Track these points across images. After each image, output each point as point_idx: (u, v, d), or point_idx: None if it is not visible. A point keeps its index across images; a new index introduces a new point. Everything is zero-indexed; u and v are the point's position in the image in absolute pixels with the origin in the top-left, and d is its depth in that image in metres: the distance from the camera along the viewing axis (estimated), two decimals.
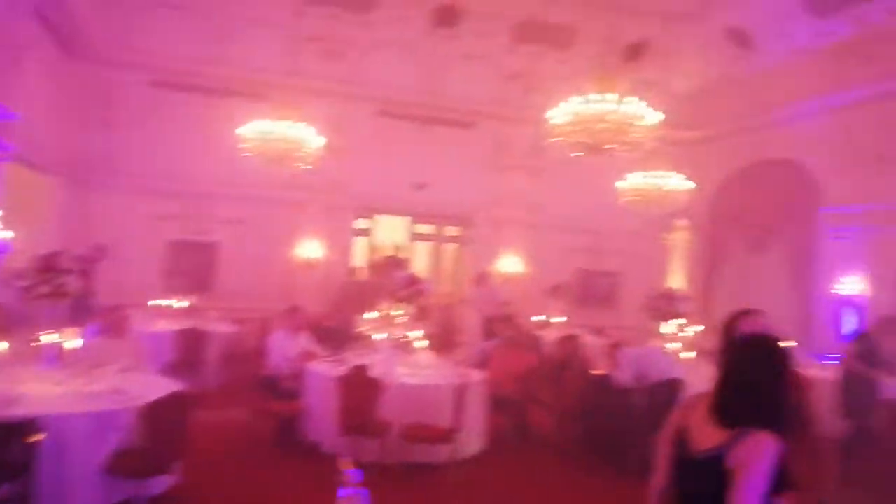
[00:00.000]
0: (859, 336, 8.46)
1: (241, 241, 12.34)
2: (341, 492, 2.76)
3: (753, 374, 2.30)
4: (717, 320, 12.22)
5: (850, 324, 10.46)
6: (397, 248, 14.15)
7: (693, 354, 8.59)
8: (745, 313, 3.40)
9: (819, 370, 9.52)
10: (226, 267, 12.20)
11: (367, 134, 12.79)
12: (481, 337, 8.79)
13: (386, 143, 12.91)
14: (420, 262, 14.15)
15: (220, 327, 10.01)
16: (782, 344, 2.42)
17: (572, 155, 7.75)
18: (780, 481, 2.20)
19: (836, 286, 10.93)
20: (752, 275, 12.59)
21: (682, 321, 10.12)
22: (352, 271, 12.38)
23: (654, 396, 7.06)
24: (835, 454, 7.58)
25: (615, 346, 8.20)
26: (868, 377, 7.85)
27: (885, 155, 10.27)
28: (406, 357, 7.48)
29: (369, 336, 7.96)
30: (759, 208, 12.51)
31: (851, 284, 10.73)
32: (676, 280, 14.16)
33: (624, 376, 7.22)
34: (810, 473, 2.45)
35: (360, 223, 13.48)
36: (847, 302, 10.74)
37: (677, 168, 10.25)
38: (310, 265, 12.39)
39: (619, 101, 7.31)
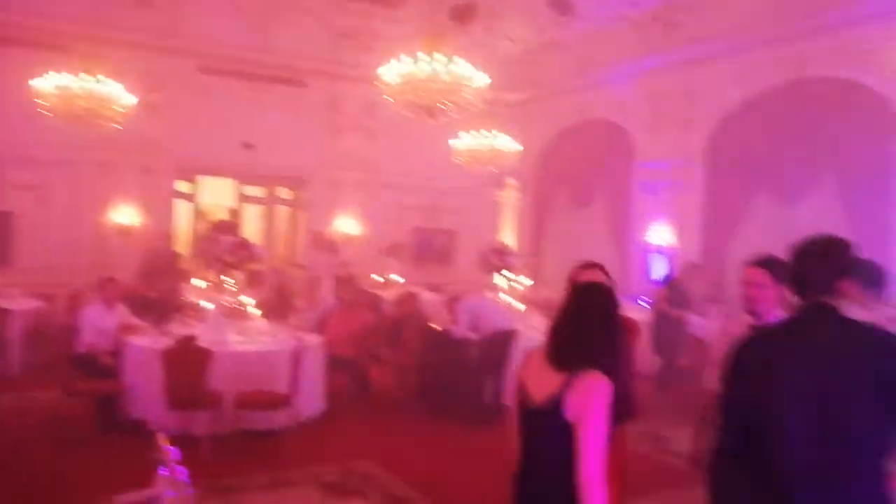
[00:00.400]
0: (667, 281, 9.33)
1: (43, 209, 11.09)
2: (160, 470, 2.57)
3: (583, 317, 2.37)
4: (546, 272, 12.88)
5: (659, 270, 11.49)
6: (229, 211, 13.46)
7: (523, 306, 9.02)
8: (586, 266, 3.56)
9: (635, 313, 10.40)
10: (25, 238, 10.90)
11: (187, 91, 11.90)
12: (326, 299, 8.64)
13: (209, 100, 12.10)
14: (251, 226, 13.57)
15: (22, 304, 8.99)
16: (611, 289, 2.54)
17: (406, 114, 7.76)
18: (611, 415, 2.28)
19: (648, 236, 11.94)
20: (576, 228, 13.39)
21: (514, 274, 10.57)
22: (163, 237, 11.54)
23: (488, 346, 7.34)
24: (649, 387, 8.33)
25: (454, 300, 8.39)
26: (676, 318, 8.70)
27: (687, 115, 11.25)
28: (238, 324, 7.16)
29: (196, 305, 7.52)
30: (583, 165, 13.27)
31: (660, 234, 11.77)
32: (508, 236, 14.76)
33: (461, 328, 7.43)
34: (632, 406, 2.60)
35: (182, 186, 12.62)
36: (657, 250, 11.77)
37: (506, 128, 10.57)
38: (125, 232, 11.42)
39: (448, 63, 7.39)
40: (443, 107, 7.65)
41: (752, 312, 3.25)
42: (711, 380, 3.35)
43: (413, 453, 6.29)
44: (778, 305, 3.20)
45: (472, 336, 7.39)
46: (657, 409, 7.74)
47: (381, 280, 11.46)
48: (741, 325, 3.28)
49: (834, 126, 9.09)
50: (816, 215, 8.87)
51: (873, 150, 8.88)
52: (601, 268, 3.46)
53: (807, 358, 2.15)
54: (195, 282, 8.39)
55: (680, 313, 8.70)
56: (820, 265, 2.26)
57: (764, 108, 10.11)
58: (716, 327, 8.73)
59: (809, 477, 2.08)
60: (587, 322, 2.36)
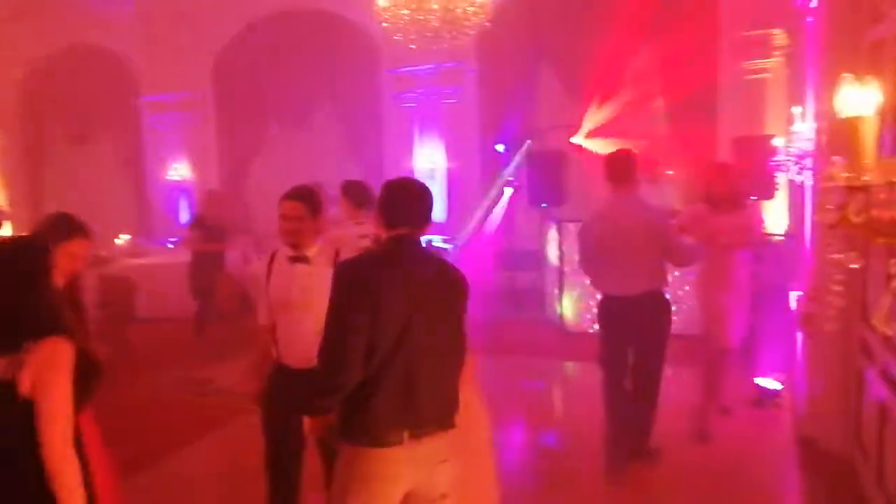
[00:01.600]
0: (193, 218, 8.90)
1: None
2: None
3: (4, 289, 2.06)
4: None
5: (184, 207, 11.04)
6: None
7: None
8: (51, 223, 2.90)
9: (163, 256, 9.81)
10: None
11: None
12: None
13: None
14: None
15: None
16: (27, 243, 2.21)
17: None
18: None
19: (167, 173, 11.27)
20: (81, 169, 11.81)
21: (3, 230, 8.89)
22: None
23: None
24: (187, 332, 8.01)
25: None
26: (210, 255, 8.27)
27: (191, 42, 10.68)
28: None
29: None
30: (79, 98, 11.62)
31: (180, 170, 11.24)
32: None
33: None
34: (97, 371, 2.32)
35: None
36: (179, 186, 11.23)
37: None
38: None
39: None
40: None
41: (294, 245, 3.26)
42: (263, 314, 3.37)
43: None
44: (317, 235, 3.29)
45: None
46: (195, 353, 7.52)
47: None
48: (282, 257, 3.30)
49: (328, 56, 9.75)
50: (321, 140, 9.54)
51: (364, 80, 9.86)
52: (64, 220, 2.92)
53: (404, 280, 2.35)
54: None
55: (213, 248, 8.29)
56: (419, 204, 2.47)
57: (265, 36, 10.25)
58: (239, 258, 8.77)
59: (426, 377, 2.33)
60: (7, 291, 2.05)
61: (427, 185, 2.61)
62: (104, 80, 11.38)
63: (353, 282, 2.32)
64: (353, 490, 2.30)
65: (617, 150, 4.45)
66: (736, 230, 4.84)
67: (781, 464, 4.56)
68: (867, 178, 1.38)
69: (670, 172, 9.21)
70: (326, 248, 3.32)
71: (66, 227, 2.85)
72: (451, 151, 9.68)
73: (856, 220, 1.42)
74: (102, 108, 11.56)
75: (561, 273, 7.69)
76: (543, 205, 8.61)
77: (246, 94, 10.44)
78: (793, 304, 5.18)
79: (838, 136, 1.45)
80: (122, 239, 10.56)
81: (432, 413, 2.35)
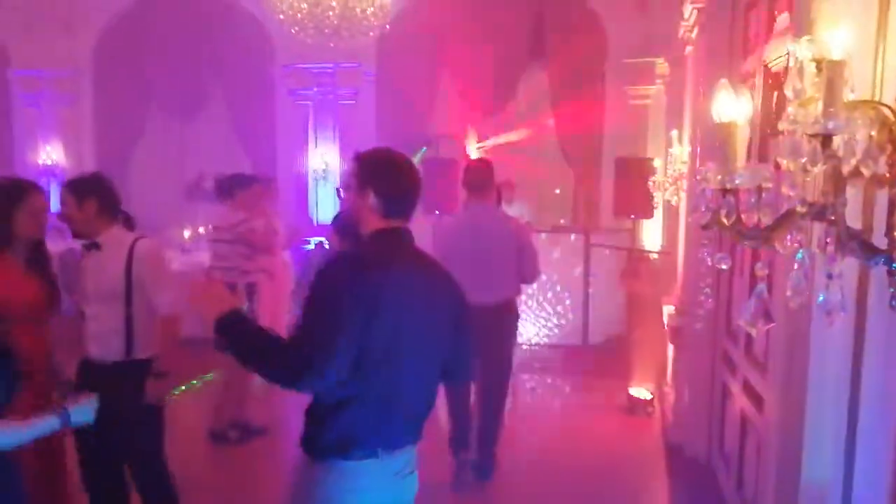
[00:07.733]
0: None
1: None
2: None
3: None
4: None
5: (55, 194, 10.26)
6: None
7: None
8: None
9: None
10: None
11: None
12: None
13: None
14: None
15: None
16: None
17: None
18: None
19: (40, 156, 10.49)
20: None
21: None
22: None
23: None
24: None
25: None
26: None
27: (69, 18, 9.98)
28: None
29: None
30: None
31: (52, 153, 10.47)
32: None
33: None
34: None
35: None
36: (49, 171, 10.46)
37: None
38: None
39: None
40: None
41: (77, 235, 3.22)
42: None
43: None
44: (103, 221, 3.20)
45: None
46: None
47: None
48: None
49: (220, 45, 9.40)
50: (208, 131, 9.12)
51: (257, 70, 9.55)
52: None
53: (402, 284, 2.16)
54: None
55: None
56: (418, 190, 2.26)
57: (151, 19, 9.71)
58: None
59: (409, 392, 2.20)
60: None
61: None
62: None
63: (351, 283, 2.06)
64: None
65: (476, 160, 4.57)
66: None
67: (649, 469, 4.76)
68: (738, 181, 1.41)
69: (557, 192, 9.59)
70: (121, 233, 3.23)
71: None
72: (346, 152, 9.54)
73: (726, 222, 1.45)
74: None
75: None
76: (436, 212, 8.62)
77: (129, 77, 9.83)
78: (665, 318, 5.44)
79: (712, 144, 1.50)
80: None
81: (408, 427, 2.25)
